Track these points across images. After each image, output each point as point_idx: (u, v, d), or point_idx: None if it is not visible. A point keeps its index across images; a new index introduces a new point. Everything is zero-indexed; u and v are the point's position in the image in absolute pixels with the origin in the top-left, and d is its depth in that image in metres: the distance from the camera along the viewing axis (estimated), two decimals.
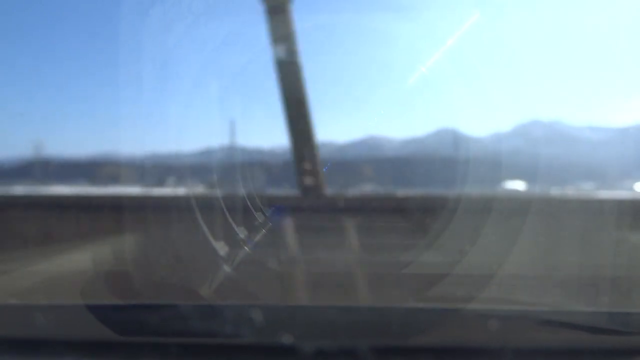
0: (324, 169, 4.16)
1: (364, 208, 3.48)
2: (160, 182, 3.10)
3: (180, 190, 2.88)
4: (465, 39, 2.26)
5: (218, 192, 2.57)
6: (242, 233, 2.52)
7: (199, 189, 2.81)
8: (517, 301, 1.80)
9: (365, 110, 2.97)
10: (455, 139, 2.84)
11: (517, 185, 2.97)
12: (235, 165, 3.12)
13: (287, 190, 3.93)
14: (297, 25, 2.63)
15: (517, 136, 2.81)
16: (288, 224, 2.75)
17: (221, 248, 2.29)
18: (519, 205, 2.33)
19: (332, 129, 3.47)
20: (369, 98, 2.90)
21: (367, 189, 4.22)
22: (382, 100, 2.81)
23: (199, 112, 2.78)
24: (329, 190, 3.49)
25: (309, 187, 3.17)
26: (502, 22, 2.37)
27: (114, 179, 3.96)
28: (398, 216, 2.96)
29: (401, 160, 3.89)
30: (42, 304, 1.59)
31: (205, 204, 2.43)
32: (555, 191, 3.11)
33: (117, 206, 2.56)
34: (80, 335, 1.36)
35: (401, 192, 3.80)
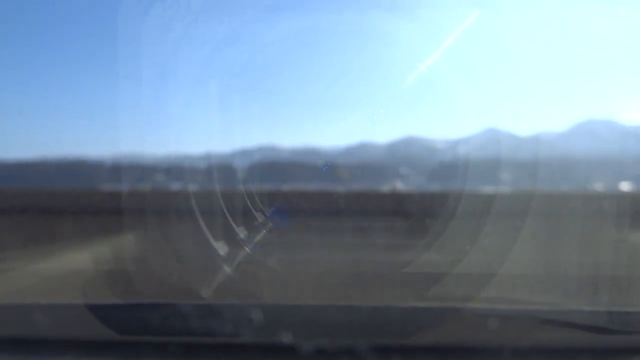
0: (324, 169, 4.12)
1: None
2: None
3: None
4: (513, 40, 2.19)
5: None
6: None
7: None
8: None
9: (406, 112, 2.92)
10: (503, 138, 2.72)
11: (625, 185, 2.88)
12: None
13: None
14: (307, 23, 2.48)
15: (581, 135, 2.75)
16: None
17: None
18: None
19: (373, 130, 3.42)
20: (408, 99, 2.84)
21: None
22: (424, 101, 2.76)
23: (199, 112, 2.77)
24: None
25: None
26: (546, 24, 2.31)
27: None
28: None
29: (454, 162, 3.79)
30: (42, 303, 1.58)
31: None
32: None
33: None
34: (80, 334, 1.36)
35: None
